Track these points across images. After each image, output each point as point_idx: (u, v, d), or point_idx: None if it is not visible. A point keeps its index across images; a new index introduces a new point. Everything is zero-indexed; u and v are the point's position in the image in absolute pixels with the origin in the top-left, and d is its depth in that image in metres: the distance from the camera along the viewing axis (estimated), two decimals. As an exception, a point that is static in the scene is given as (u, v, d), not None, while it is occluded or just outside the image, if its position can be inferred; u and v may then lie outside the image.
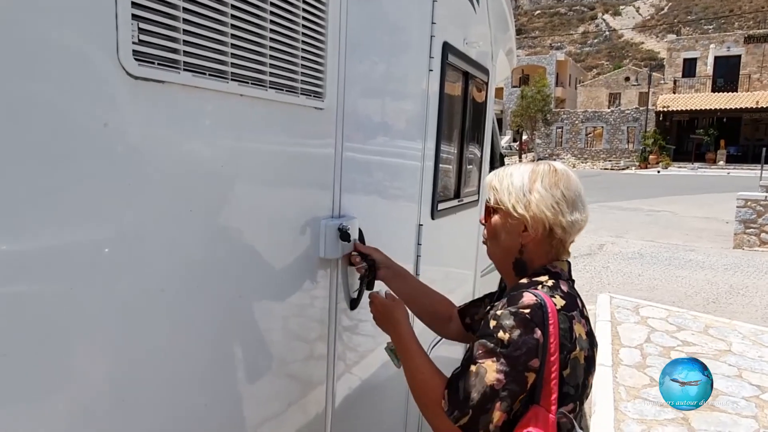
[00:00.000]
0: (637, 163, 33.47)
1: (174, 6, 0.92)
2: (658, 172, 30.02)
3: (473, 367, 1.06)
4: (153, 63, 0.90)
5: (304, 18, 1.29)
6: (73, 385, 0.84)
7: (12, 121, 0.71)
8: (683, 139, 35.40)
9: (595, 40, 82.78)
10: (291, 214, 1.37)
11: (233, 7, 1.05)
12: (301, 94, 1.32)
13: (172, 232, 0.99)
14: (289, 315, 1.40)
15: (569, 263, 1.23)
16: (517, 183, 1.18)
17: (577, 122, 38.10)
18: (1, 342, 0.73)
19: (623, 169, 33.14)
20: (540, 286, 1.12)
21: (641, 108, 36.31)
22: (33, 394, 0.78)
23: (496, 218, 1.23)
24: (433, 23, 2.11)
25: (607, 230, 11.65)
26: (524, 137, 38.29)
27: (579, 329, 1.08)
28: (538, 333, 1.02)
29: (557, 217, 1.14)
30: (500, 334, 1.04)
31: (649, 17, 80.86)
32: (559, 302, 1.08)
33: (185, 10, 0.94)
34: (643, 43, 78.77)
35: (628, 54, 76.48)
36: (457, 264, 2.92)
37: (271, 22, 1.17)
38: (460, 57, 2.45)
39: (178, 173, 0.99)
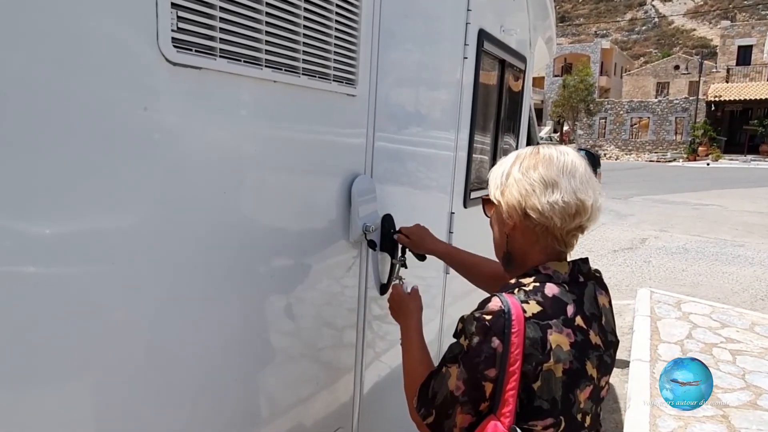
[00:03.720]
0: (685, 155, 32.17)
1: (211, -6, 0.96)
2: (708, 164, 28.79)
3: (443, 369, 1.06)
4: (191, 50, 0.94)
5: (337, 5, 1.31)
6: (115, 355, 0.90)
7: (58, 105, 0.76)
8: (735, 130, 33.77)
9: (643, 27, 79.68)
10: (322, 198, 1.40)
11: (268, -6, 1.08)
12: (334, 80, 1.34)
13: (206, 214, 1.04)
14: (319, 298, 1.44)
15: (577, 264, 1.11)
16: (500, 169, 1.15)
17: (621, 112, 36.87)
18: (47, 316, 0.78)
19: (670, 161, 31.91)
20: (517, 290, 1.05)
21: (691, 98, 34.80)
22: (79, 363, 0.84)
23: (491, 209, 1.21)
24: (468, 10, 2.09)
25: (651, 224, 11.29)
26: (565, 128, 37.37)
27: (558, 339, 1.00)
28: (496, 342, 0.98)
29: (529, 199, 1.06)
30: (462, 339, 1.03)
31: (701, 2, 77.26)
32: (532, 309, 1.00)
33: (222, -2, 0.98)
34: (694, 30, 75.35)
35: (678, 41, 73.35)
36: (489, 252, 2.90)
37: (305, 9, 1.20)
38: (497, 44, 2.42)
39: (212, 156, 1.03)
